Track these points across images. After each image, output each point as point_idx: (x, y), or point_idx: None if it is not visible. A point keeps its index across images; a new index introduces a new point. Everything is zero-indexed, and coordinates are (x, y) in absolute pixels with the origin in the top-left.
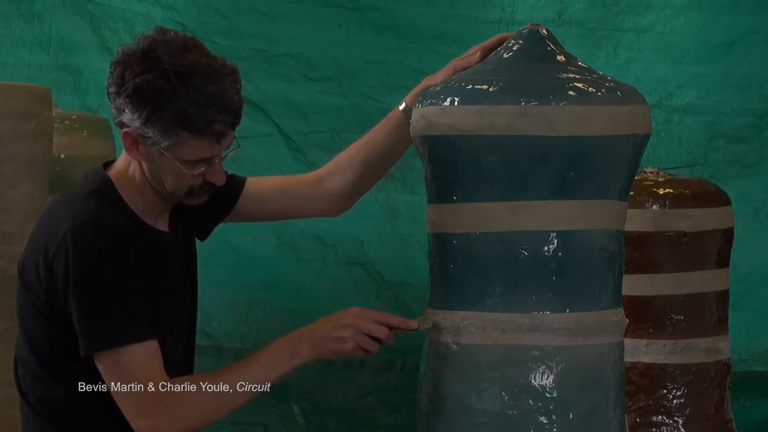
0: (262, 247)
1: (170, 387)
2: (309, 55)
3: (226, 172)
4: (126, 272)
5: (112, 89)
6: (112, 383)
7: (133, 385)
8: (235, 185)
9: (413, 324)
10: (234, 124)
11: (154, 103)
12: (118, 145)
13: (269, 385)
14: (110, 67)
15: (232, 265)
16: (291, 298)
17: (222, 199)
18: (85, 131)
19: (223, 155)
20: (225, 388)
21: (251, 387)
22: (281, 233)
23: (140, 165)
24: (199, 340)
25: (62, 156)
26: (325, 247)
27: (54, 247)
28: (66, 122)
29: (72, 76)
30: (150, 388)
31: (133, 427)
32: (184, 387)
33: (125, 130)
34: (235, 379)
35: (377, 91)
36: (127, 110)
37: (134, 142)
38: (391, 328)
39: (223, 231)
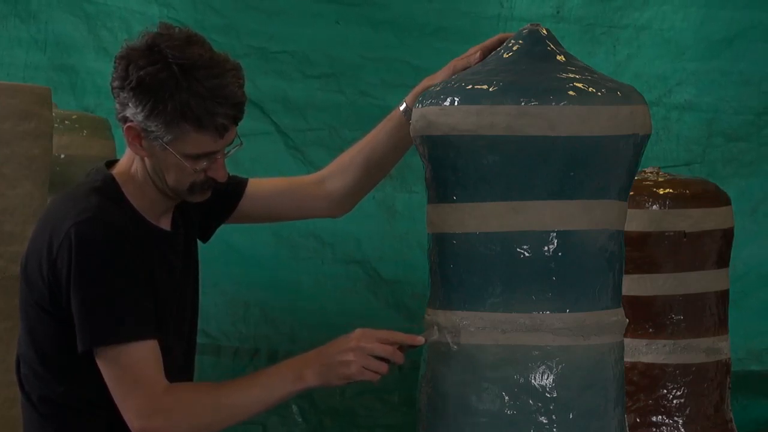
0: (259, 245)
1: (171, 391)
2: (307, 52)
3: (227, 173)
4: (129, 269)
5: (115, 84)
6: (113, 380)
7: (133, 384)
8: (236, 186)
9: (420, 339)
10: (236, 118)
11: (157, 95)
12: (119, 146)
13: (270, 405)
14: (114, 62)
15: (230, 263)
16: (289, 297)
17: (224, 200)
18: (85, 131)
19: (225, 152)
20: (225, 401)
21: (252, 404)
22: (279, 232)
23: (143, 162)
24: (198, 339)
25: (62, 156)
26: (322, 245)
27: (57, 243)
28: (66, 122)
29: (68, 75)
30: (150, 390)
31: (129, 425)
32: (184, 393)
33: (128, 124)
34: (235, 395)
35: (375, 88)
36: (130, 104)
37: (137, 136)
38: (398, 345)
39: (221, 230)
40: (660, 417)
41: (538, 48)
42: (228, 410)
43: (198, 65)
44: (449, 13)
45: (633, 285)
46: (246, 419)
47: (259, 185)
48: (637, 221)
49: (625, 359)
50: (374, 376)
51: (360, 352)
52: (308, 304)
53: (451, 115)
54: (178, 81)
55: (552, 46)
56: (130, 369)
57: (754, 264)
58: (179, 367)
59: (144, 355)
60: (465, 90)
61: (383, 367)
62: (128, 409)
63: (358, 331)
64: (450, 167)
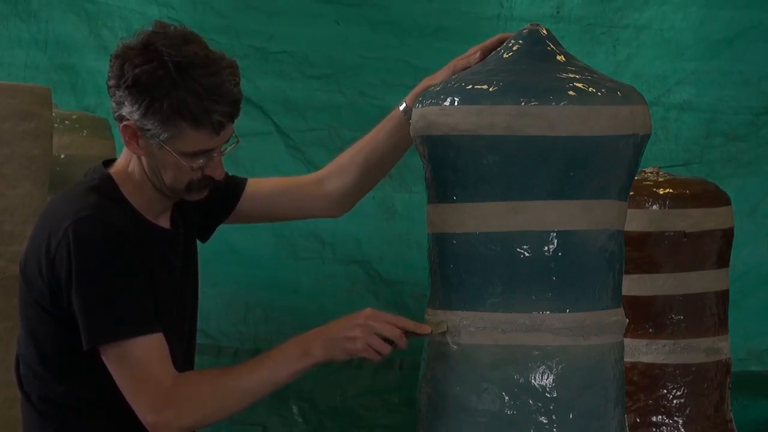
0: (260, 245)
1: (180, 381)
2: (306, 53)
3: (226, 173)
4: (129, 266)
5: (111, 82)
6: (121, 377)
7: (140, 380)
8: (235, 186)
9: (427, 328)
10: (233, 116)
11: (153, 94)
12: (119, 146)
13: (279, 384)
14: (110, 61)
15: (230, 263)
16: (289, 297)
17: (223, 200)
18: (85, 131)
19: (222, 150)
20: (235, 384)
21: (261, 385)
22: (279, 232)
23: (140, 161)
24: (198, 339)
25: (62, 156)
26: (322, 245)
27: (56, 242)
28: (66, 122)
29: (69, 75)
30: (160, 383)
31: (142, 419)
32: (194, 382)
33: (125, 123)
34: (244, 378)
35: (375, 88)
36: (126, 102)
37: (133, 135)
38: (405, 331)
39: (221, 230)
40: (660, 417)
41: (538, 48)
42: (238, 394)
43: (194, 63)
44: (449, 13)
45: (633, 285)
46: (257, 400)
47: (258, 185)
48: (637, 221)
49: (625, 359)
50: (376, 356)
51: (367, 329)
52: (308, 305)
53: (451, 115)
54: (174, 79)
55: (552, 46)
56: (136, 365)
57: (753, 264)
58: (179, 367)
59: (148, 350)
60: (465, 90)
61: (387, 348)
62: (139, 405)
63: (367, 310)
64: (450, 167)
